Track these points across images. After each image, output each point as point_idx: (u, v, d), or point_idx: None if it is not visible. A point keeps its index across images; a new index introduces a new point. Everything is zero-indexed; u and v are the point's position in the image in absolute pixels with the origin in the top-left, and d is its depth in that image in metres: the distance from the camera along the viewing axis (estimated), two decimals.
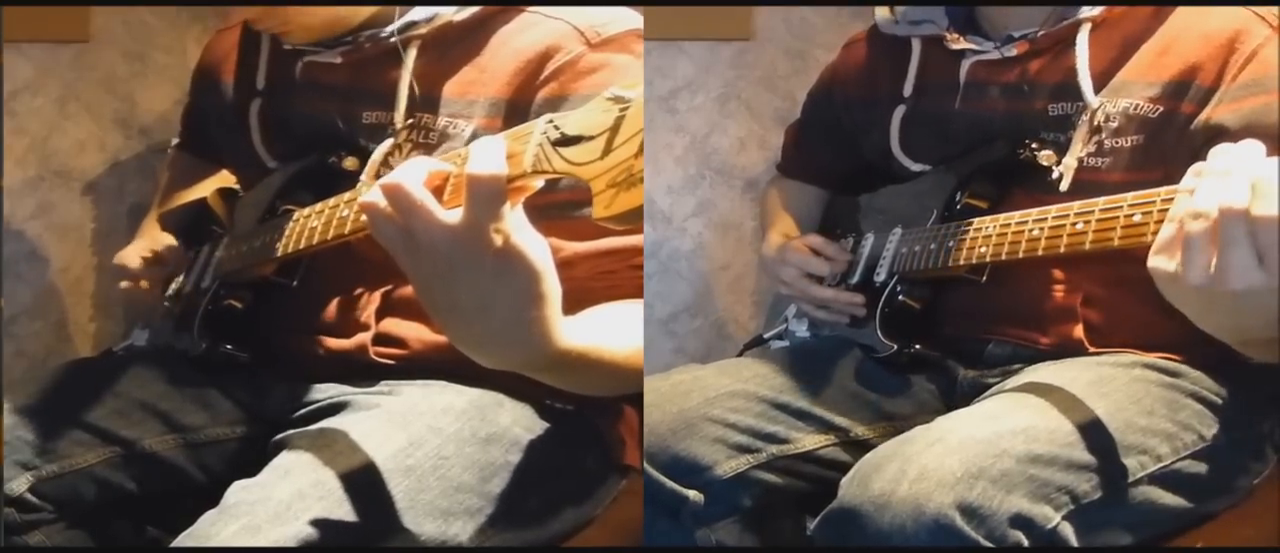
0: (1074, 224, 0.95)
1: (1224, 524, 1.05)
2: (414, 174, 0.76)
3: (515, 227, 0.74)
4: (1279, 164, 0.75)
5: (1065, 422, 0.97)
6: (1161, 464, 0.98)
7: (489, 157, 0.73)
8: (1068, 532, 0.91)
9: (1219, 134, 1.02)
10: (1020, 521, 0.89)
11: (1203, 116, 1.02)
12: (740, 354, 1.40)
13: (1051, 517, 0.91)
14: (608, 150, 0.73)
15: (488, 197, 0.73)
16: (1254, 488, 1.07)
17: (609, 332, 0.90)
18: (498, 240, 0.74)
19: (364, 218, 0.86)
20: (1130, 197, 0.90)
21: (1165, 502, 0.98)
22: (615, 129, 0.72)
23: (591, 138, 0.74)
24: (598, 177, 0.73)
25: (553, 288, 0.77)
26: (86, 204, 1.68)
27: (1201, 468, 1.01)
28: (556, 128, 0.76)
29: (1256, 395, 1.08)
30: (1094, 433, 0.97)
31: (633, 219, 0.73)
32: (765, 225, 1.44)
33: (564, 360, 0.82)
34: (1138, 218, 0.88)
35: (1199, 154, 1.01)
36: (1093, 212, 0.93)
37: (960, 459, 0.91)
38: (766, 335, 1.40)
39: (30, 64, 1.59)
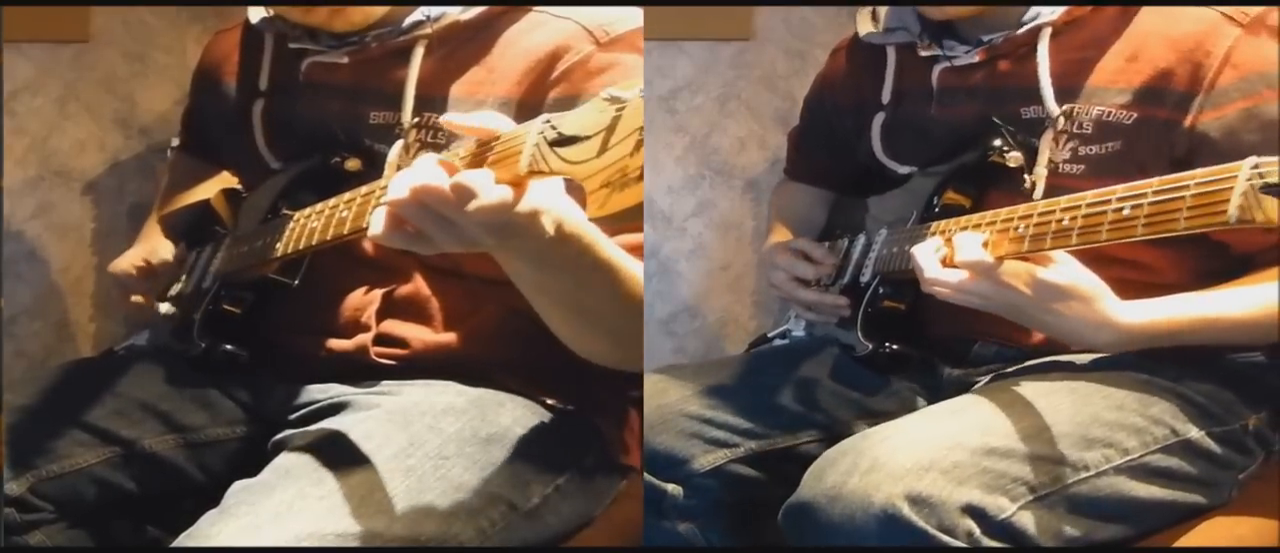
0: (1016, 228, 0.96)
1: (1220, 525, 1.04)
2: (434, 173, 0.79)
3: (554, 211, 0.81)
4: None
5: (1027, 417, 0.99)
6: (1129, 457, 0.99)
7: (481, 190, 0.78)
8: (1025, 521, 0.92)
9: (1202, 143, 1.02)
10: (972, 510, 0.90)
11: (1186, 123, 1.03)
12: (745, 354, 1.41)
13: (1006, 507, 0.92)
14: (603, 150, 0.73)
15: (498, 226, 0.80)
16: (1243, 483, 1.07)
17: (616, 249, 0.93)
18: (549, 228, 0.81)
19: (365, 220, 0.87)
20: (1063, 200, 0.93)
21: (1138, 494, 0.99)
22: (611, 129, 0.73)
23: (587, 138, 0.74)
24: (592, 176, 0.73)
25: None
26: (86, 204, 1.68)
27: (1175, 462, 1.01)
28: (553, 128, 0.76)
29: (1240, 392, 1.08)
30: (1056, 427, 0.98)
31: (630, 218, 0.73)
32: (769, 228, 1.45)
33: (581, 238, 0.87)
34: (1066, 222, 0.91)
35: (1181, 162, 1.02)
36: (1032, 213, 0.95)
37: (912, 452, 0.93)
38: (770, 335, 1.41)
39: (30, 64, 1.59)
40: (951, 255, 1.00)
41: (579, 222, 0.85)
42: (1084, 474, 0.96)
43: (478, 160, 0.82)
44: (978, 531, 0.90)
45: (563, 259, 0.87)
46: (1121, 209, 0.87)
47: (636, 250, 1.01)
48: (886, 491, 0.90)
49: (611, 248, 0.90)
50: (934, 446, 0.94)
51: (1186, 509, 1.03)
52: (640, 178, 0.72)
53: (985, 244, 0.98)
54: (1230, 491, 1.06)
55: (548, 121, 0.77)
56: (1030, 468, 0.94)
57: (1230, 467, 1.06)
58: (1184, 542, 1.03)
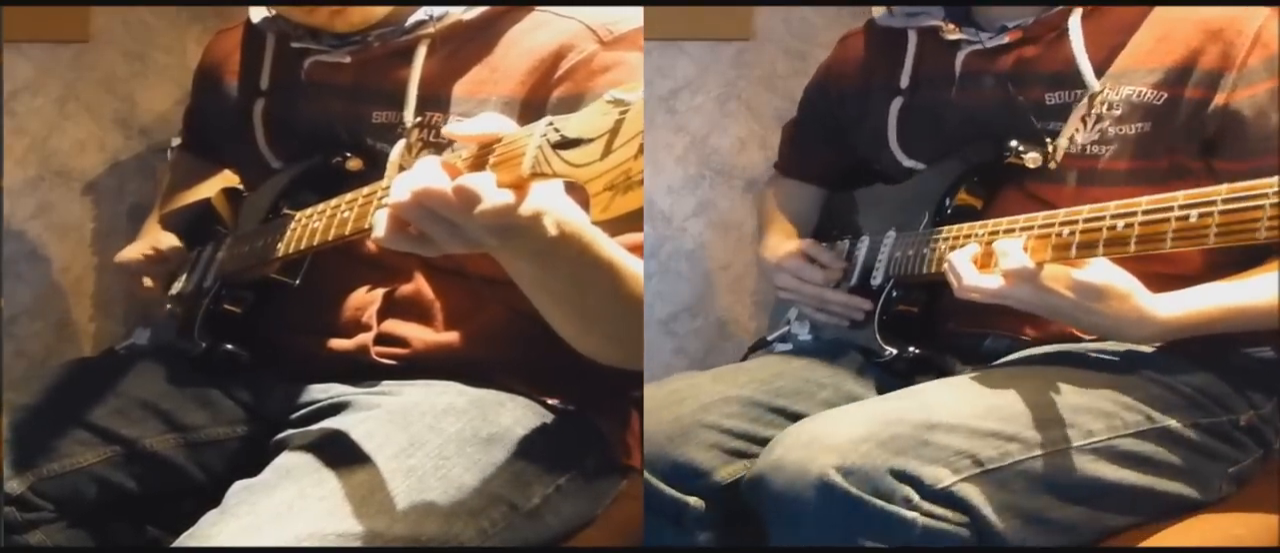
0: (1059, 233, 0.97)
1: (1217, 524, 1.04)
2: (437, 176, 0.79)
3: (556, 212, 0.81)
4: None
5: (984, 398, 1.01)
6: (1094, 439, 1.00)
7: (483, 193, 0.78)
8: (969, 493, 0.94)
9: (1233, 121, 1.03)
10: (906, 477, 0.93)
11: (1218, 101, 1.04)
12: (744, 357, 1.41)
13: (944, 477, 0.94)
14: (606, 153, 0.73)
15: (500, 228, 0.79)
16: (1237, 478, 1.07)
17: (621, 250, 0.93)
18: (551, 229, 0.81)
19: (368, 221, 0.87)
20: (1113, 206, 0.93)
21: (1107, 476, 0.99)
22: (614, 132, 0.73)
23: (591, 141, 0.74)
24: (595, 179, 0.73)
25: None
26: (86, 204, 1.68)
27: (1150, 448, 1.02)
28: (556, 130, 0.76)
29: (1239, 386, 1.08)
30: (1011, 407, 1.00)
31: (632, 221, 0.73)
32: (762, 226, 1.44)
33: (581, 236, 0.87)
34: (1120, 227, 0.91)
35: (1210, 142, 1.03)
36: (1077, 219, 0.96)
37: (852, 425, 0.97)
38: (770, 338, 1.40)
39: (30, 64, 1.59)
40: (987, 261, 1.02)
41: (580, 222, 0.85)
42: (1037, 452, 0.98)
43: (479, 162, 0.82)
44: (916, 496, 0.93)
45: (565, 259, 0.87)
46: (1187, 216, 0.87)
47: (637, 250, 1.01)
48: (821, 461, 0.94)
49: (613, 247, 0.91)
50: (876, 421, 0.97)
51: (1172, 499, 1.03)
52: (642, 181, 0.72)
53: (1025, 249, 0.99)
54: (1221, 484, 1.06)
55: (551, 124, 0.77)
56: (976, 443, 0.96)
57: (1218, 458, 1.06)
58: (1182, 542, 1.02)
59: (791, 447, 0.98)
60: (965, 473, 0.95)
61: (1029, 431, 0.98)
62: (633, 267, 0.93)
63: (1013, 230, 1.02)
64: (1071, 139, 1.09)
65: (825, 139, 1.41)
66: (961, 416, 0.98)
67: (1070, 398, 1.02)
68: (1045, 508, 0.98)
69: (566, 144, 0.75)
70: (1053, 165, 1.10)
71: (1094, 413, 1.01)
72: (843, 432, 0.97)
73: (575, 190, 0.77)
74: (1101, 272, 0.96)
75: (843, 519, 0.93)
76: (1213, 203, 0.86)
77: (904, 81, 1.24)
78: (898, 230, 1.22)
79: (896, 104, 1.25)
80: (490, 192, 0.78)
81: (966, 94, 1.18)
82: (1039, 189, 1.11)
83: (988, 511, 0.94)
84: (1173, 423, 1.03)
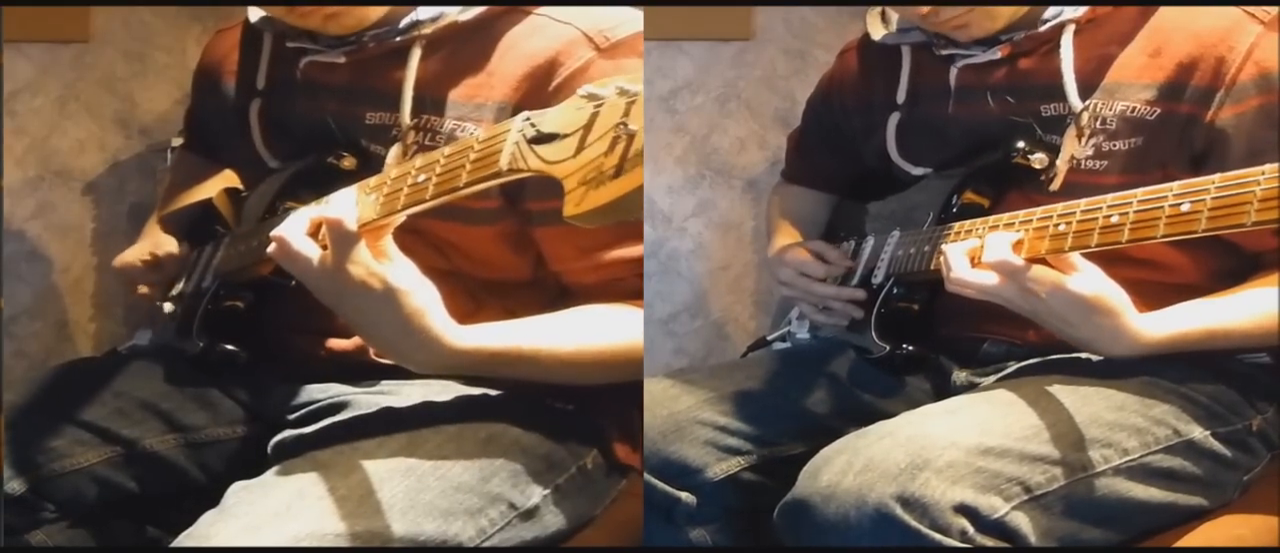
0: (1057, 226, 0.96)
1: (1219, 525, 1.04)
2: (295, 226, 0.91)
3: (372, 259, 0.88)
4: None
5: (1025, 416, 0.99)
6: (1128, 458, 0.98)
7: (340, 205, 0.88)
8: (1019, 521, 0.92)
9: (1220, 139, 1.02)
10: (964, 510, 0.90)
11: (1207, 118, 1.03)
12: (743, 356, 1.41)
13: (999, 506, 0.92)
14: (579, 149, 0.74)
15: (340, 239, 0.87)
16: (1246, 484, 1.07)
17: (540, 331, 0.97)
18: (358, 273, 0.87)
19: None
20: (1109, 197, 0.92)
21: (1137, 495, 0.98)
22: (588, 127, 0.74)
23: (565, 136, 0.75)
24: (570, 175, 0.74)
25: (425, 301, 0.90)
26: (86, 204, 1.68)
27: (1177, 462, 1.01)
28: (533, 126, 0.77)
29: (1244, 392, 1.08)
30: (1054, 427, 0.98)
31: (609, 215, 0.74)
32: (771, 231, 1.44)
33: (471, 361, 0.94)
34: (1115, 219, 0.91)
35: (1199, 158, 1.02)
36: (1074, 211, 0.95)
37: (907, 452, 0.93)
38: (769, 338, 1.40)
39: (30, 64, 1.59)
40: (979, 255, 1.01)
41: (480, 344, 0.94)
42: (1081, 475, 0.96)
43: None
44: (971, 529, 0.91)
45: (520, 373, 0.98)
46: (1180, 205, 0.87)
47: (626, 265, 1.01)
48: (879, 491, 0.90)
49: (558, 330, 0.99)
50: (928, 445, 0.93)
51: (1188, 511, 1.03)
52: (616, 175, 0.72)
53: (1018, 244, 0.98)
54: (1234, 492, 1.06)
55: (528, 119, 0.77)
56: (1026, 468, 0.94)
57: (1235, 467, 1.05)
58: (1184, 542, 1.02)
59: (843, 473, 0.93)
60: (1016, 501, 0.93)
61: (1073, 453, 0.96)
62: (570, 349, 0.99)
63: (1013, 224, 1.01)
64: (1071, 156, 1.09)
65: (830, 148, 1.41)
66: (1011, 437, 0.96)
67: (1105, 414, 1.00)
68: (1076, 531, 0.96)
69: (542, 139, 0.76)
70: (1054, 187, 1.09)
71: (1128, 430, 1.00)
72: (897, 457, 0.92)
73: (552, 185, 0.78)
74: (1093, 282, 0.95)
75: (895, 550, 0.91)
76: (1205, 191, 0.86)
77: (900, 97, 1.24)
78: (902, 229, 1.21)
79: (894, 118, 1.24)
80: (297, 238, 0.90)
81: (962, 107, 1.18)
82: (1042, 202, 1.11)
83: (1032, 538, 0.93)
84: (1197, 434, 1.02)
